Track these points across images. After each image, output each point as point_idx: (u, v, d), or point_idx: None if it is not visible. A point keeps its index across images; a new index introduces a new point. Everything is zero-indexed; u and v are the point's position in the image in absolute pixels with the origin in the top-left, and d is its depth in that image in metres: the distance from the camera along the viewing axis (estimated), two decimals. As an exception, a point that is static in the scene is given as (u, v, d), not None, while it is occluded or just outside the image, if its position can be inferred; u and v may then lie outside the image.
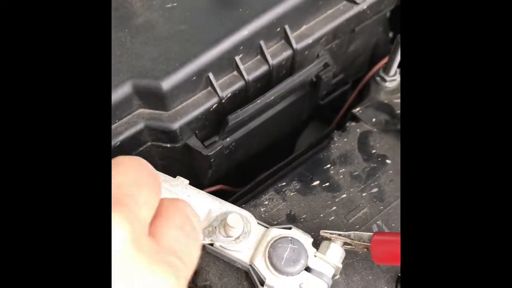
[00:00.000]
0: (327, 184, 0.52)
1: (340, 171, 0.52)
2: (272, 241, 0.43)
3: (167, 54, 0.49)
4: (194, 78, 0.49)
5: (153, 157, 0.56)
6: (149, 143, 0.54)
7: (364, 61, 0.73)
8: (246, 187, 0.73)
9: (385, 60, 0.58)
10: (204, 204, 0.45)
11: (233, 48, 0.50)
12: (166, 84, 0.48)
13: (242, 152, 0.65)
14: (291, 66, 0.57)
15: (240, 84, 0.53)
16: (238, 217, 0.43)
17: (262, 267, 0.43)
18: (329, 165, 0.53)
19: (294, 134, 0.79)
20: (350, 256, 0.46)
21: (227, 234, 0.43)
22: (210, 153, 0.54)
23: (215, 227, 0.43)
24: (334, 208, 0.50)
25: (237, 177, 0.70)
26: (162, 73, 0.48)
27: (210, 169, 0.58)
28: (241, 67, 0.52)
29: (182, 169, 0.60)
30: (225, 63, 0.51)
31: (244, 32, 0.50)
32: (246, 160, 0.68)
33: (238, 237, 0.43)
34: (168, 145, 0.54)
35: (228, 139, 0.57)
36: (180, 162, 0.59)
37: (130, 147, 0.52)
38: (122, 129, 0.50)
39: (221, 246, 0.43)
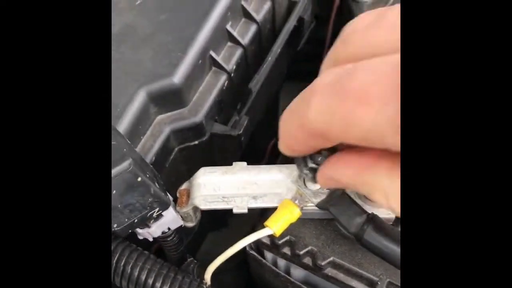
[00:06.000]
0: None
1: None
2: None
3: (163, 48, 0.46)
4: (200, 61, 0.46)
5: (179, 165, 0.53)
6: (176, 149, 0.50)
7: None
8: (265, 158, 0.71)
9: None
10: (277, 176, 0.43)
11: (222, 17, 0.48)
12: (178, 77, 0.45)
13: (252, 126, 0.62)
14: (272, 18, 0.55)
15: (239, 52, 0.51)
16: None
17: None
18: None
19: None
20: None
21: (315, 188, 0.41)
22: (240, 132, 0.51)
23: (303, 184, 0.41)
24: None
25: (251, 151, 0.67)
26: (169, 68, 0.45)
27: (240, 150, 0.55)
28: (235, 34, 0.50)
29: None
30: (219, 36, 0.49)
31: (227, -4, 0.48)
32: (253, 133, 0.66)
33: None
34: (196, 142, 0.50)
35: (244, 115, 0.55)
36: (203, 160, 0.55)
37: (163, 159, 0.48)
38: (151, 143, 0.46)
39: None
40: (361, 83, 0.22)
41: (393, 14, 0.24)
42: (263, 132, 0.69)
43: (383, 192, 0.26)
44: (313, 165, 0.37)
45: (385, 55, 0.22)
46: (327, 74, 0.24)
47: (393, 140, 0.21)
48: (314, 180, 0.40)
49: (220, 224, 0.78)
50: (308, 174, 0.39)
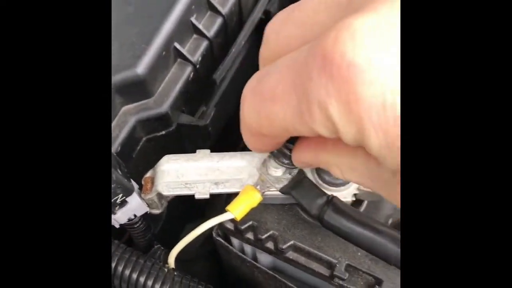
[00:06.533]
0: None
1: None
2: None
3: (127, 40, 0.47)
4: (164, 53, 0.48)
5: (148, 154, 0.54)
6: (144, 139, 0.51)
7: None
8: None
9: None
10: (239, 163, 0.44)
11: (187, 9, 0.49)
12: (141, 68, 0.46)
13: (222, 119, 0.64)
14: (239, 11, 0.57)
15: (204, 44, 0.52)
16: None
17: None
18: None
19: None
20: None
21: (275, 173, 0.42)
22: (207, 122, 0.52)
23: (266, 171, 0.42)
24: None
25: (226, 144, 0.69)
26: (133, 60, 0.46)
27: (208, 140, 0.56)
28: (200, 26, 0.51)
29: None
30: (184, 28, 0.50)
31: (191, -11, 0.49)
32: (225, 127, 0.67)
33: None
34: (163, 132, 0.52)
35: (212, 106, 0.56)
36: (172, 150, 0.56)
37: (129, 149, 0.49)
38: (117, 132, 0.47)
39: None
40: (270, 85, 0.25)
41: (299, 10, 0.27)
42: (238, 125, 0.70)
43: (337, 167, 0.29)
44: (289, 153, 0.38)
45: (294, 50, 0.25)
46: (252, 78, 0.28)
47: (303, 128, 0.24)
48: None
49: (197, 215, 0.79)
50: (289, 164, 0.41)
